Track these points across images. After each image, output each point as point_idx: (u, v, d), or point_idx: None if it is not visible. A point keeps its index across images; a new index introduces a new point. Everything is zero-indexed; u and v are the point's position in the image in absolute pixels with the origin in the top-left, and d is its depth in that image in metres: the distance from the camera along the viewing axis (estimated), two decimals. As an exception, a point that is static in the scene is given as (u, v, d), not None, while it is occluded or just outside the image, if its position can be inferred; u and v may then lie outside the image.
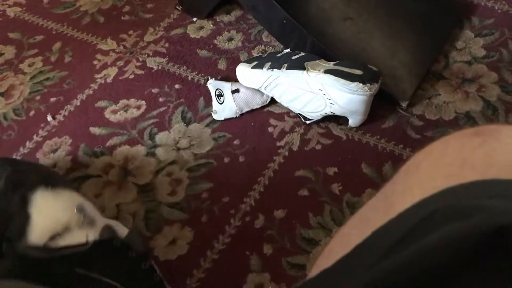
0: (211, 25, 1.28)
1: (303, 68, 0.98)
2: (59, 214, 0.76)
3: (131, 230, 0.77)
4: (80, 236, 0.69)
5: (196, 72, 1.16)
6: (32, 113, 1.10)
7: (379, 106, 1.03)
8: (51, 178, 0.83)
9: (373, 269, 0.25)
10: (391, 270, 0.25)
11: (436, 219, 0.26)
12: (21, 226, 0.71)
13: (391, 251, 0.26)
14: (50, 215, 0.75)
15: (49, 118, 1.08)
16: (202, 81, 1.14)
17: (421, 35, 1.13)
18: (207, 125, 1.05)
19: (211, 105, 1.08)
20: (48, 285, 0.61)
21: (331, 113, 0.98)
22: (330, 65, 0.98)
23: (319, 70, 0.96)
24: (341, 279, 0.27)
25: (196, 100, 1.10)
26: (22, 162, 0.89)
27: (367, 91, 0.93)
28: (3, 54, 1.25)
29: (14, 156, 1.02)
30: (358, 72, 0.94)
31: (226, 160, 0.99)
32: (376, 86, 0.95)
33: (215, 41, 1.24)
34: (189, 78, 1.15)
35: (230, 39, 1.24)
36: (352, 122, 1.00)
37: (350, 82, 0.92)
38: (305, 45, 1.07)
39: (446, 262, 0.23)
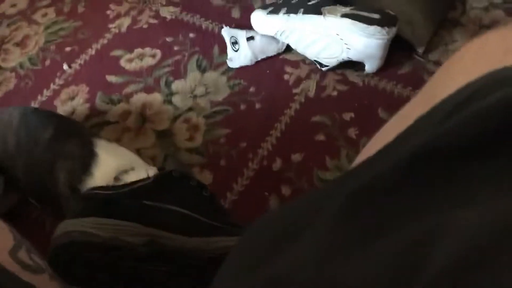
0: (224, -26, 1.26)
1: (319, 13, 0.97)
2: (126, 154, 0.78)
3: (183, 165, 0.79)
4: (142, 174, 0.71)
5: (210, 21, 1.16)
6: (47, 62, 1.11)
7: (395, 52, 1.02)
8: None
9: (412, 144, 0.26)
10: (442, 134, 0.25)
11: (487, 90, 0.26)
12: (85, 162, 0.73)
13: (440, 123, 0.26)
14: (118, 154, 0.77)
15: (65, 67, 1.09)
16: (216, 29, 1.13)
17: (439, -20, 1.11)
18: (223, 73, 1.05)
19: (226, 53, 1.07)
20: (120, 219, 0.63)
21: (348, 59, 0.98)
22: (347, 9, 0.97)
23: (336, 15, 0.96)
24: (386, 158, 0.28)
25: (211, 48, 1.10)
26: (69, 117, 0.90)
27: (385, 34, 0.92)
28: (16, 4, 1.24)
29: (32, 104, 1.03)
30: (376, 16, 0.93)
31: (242, 107, 1.00)
32: (393, 30, 0.94)
33: (228, -10, 1.22)
34: (203, 27, 1.15)
35: (244, -12, 1.22)
36: (369, 67, 1.00)
37: (368, 26, 0.92)
38: (321, -10, 1.05)
39: (504, 122, 0.23)
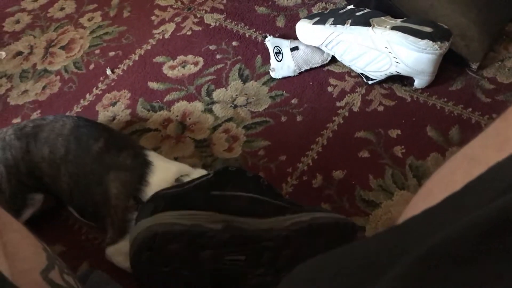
0: (270, -18, 1.24)
1: (368, 24, 0.94)
2: (179, 163, 0.81)
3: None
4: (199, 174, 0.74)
5: (254, 29, 1.14)
6: (91, 66, 1.11)
7: (447, 67, 0.97)
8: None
9: (493, 205, 0.23)
10: None
11: None
12: (141, 172, 0.74)
13: None
14: (173, 162, 0.80)
15: (108, 71, 1.09)
16: (260, 38, 1.11)
17: (496, -8, 1.05)
18: (264, 83, 1.03)
19: (268, 63, 1.05)
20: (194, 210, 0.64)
21: (396, 73, 0.94)
22: (397, 21, 0.93)
23: (386, 27, 0.92)
24: (452, 216, 0.25)
25: (254, 58, 1.08)
26: (119, 132, 0.94)
27: (437, 49, 0.88)
28: (64, 8, 1.26)
29: (74, 108, 1.03)
30: (428, 29, 0.89)
31: (283, 119, 0.97)
32: (446, 45, 0.89)
33: (274, -2, 1.20)
34: (247, 35, 1.13)
35: (290, -4, 1.20)
36: (418, 83, 0.95)
37: (419, 40, 0.87)
38: (370, 1, 1.02)
39: None
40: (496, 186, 0.25)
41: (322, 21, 0.99)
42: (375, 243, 0.29)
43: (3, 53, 1.17)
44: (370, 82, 0.98)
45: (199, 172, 0.75)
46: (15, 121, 1.03)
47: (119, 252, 0.74)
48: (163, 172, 0.74)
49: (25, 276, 0.36)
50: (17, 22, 1.25)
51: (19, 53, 1.17)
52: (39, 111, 1.04)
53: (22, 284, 0.36)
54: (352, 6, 1.02)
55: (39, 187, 0.80)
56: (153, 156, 0.78)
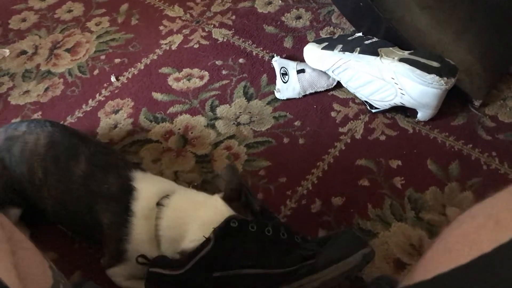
0: (280, 1, 1.25)
1: (376, 54, 0.95)
2: (163, 181, 0.78)
3: (227, 166, 0.76)
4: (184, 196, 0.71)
5: (261, 48, 1.14)
6: (96, 72, 1.11)
7: (450, 102, 0.98)
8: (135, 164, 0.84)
9: None
10: None
11: None
12: (126, 201, 0.71)
13: None
14: (155, 182, 0.76)
15: (112, 78, 1.08)
16: (266, 58, 1.12)
17: (503, 31, 1.07)
18: (269, 103, 1.03)
19: (273, 82, 1.05)
20: None
21: (401, 104, 0.95)
22: (405, 53, 0.94)
23: (394, 58, 0.93)
24: (484, 281, 0.25)
25: (259, 77, 1.08)
26: (99, 143, 0.88)
27: (443, 85, 0.89)
28: (72, 10, 1.26)
29: (76, 112, 1.03)
30: (435, 64, 0.90)
31: (285, 140, 0.97)
32: (452, 81, 0.90)
33: (283, 18, 1.21)
34: (254, 53, 1.13)
35: (298, 17, 1.21)
36: (421, 115, 0.96)
37: (426, 74, 0.88)
38: (379, 30, 1.03)
39: None
40: None
41: (330, 47, 1.00)
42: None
43: (7, 51, 1.16)
44: (373, 111, 0.99)
45: (182, 191, 0.73)
46: (14, 121, 1.02)
47: (117, 274, 0.74)
48: (145, 199, 0.71)
49: (32, 295, 0.36)
50: (23, 20, 1.25)
51: (23, 52, 1.16)
52: (40, 112, 1.03)
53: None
54: (360, 34, 1.03)
55: (17, 202, 0.78)
56: (135, 179, 0.74)
